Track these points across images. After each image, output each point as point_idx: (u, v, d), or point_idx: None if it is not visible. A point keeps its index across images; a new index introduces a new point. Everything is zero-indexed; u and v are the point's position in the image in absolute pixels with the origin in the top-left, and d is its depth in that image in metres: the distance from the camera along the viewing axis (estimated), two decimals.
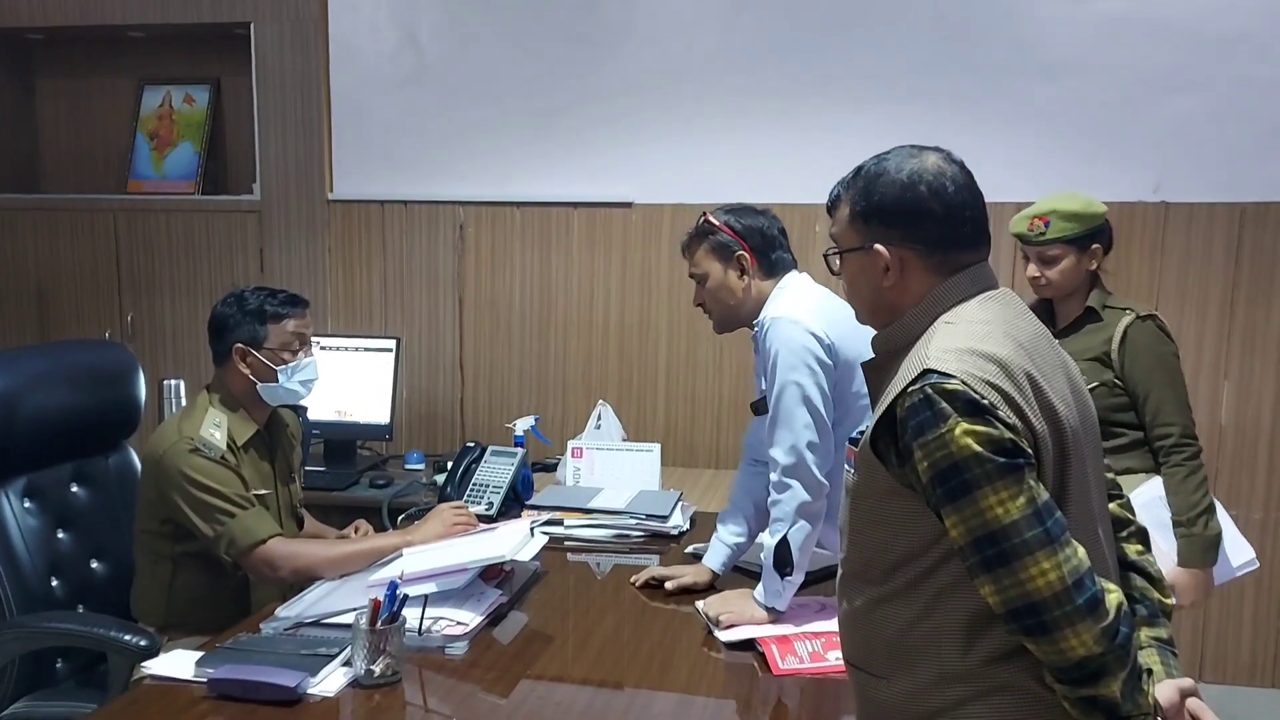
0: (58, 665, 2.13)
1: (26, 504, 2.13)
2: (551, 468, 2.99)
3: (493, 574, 1.99)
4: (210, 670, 1.58)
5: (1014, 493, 1.12)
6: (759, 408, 2.04)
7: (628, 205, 3.28)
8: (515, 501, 2.59)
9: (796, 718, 1.60)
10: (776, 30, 3.13)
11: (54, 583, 2.14)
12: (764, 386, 2.00)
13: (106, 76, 3.74)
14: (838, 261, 1.36)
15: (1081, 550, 1.15)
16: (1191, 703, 1.19)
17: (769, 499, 1.89)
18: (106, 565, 2.24)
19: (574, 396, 3.36)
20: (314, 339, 2.22)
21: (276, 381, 2.09)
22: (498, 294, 3.40)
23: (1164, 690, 1.18)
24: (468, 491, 2.55)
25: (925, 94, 3.04)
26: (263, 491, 2.10)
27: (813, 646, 1.75)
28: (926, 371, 1.18)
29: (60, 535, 2.18)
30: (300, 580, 2.01)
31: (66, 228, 3.59)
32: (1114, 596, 1.16)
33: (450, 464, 2.67)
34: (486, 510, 2.48)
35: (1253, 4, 2.87)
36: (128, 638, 1.87)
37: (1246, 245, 2.95)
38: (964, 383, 1.15)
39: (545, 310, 3.38)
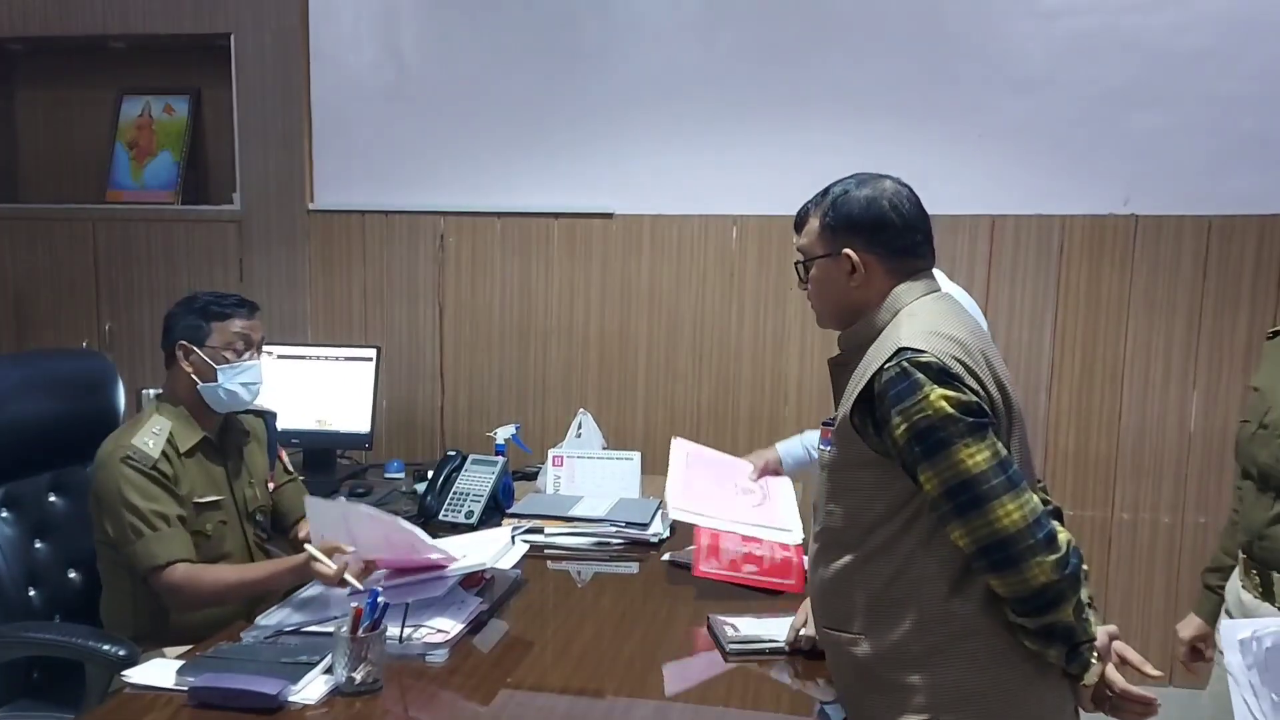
0: (34, 676, 2.11)
1: (4, 514, 2.12)
2: (532, 476, 3.01)
3: (473, 582, 2.00)
4: (190, 679, 1.58)
5: (981, 447, 1.31)
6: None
7: (608, 216, 3.31)
8: (496, 510, 2.60)
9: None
10: (755, 45, 3.18)
11: (31, 592, 2.13)
12: None
13: (86, 86, 3.73)
14: (804, 270, 1.55)
15: (1036, 497, 1.34)
16: (1116, 644, 1.43)
17: None
18: (84, 575, 2.23)
19: (554, 405, 3.38)
20: (271, 347, 2.19)
21: (216, 381, 2.07)
22: (478, 303, 3.42)
23: (1097, 634, 1.39)
24: (448, 500, 2.56)
25: (899, 108, 3.09)
26: (214, 497, 2.08)
27: (735, 554, 2.09)
28: (901, 349, 1.36)
29: (38, 545, 2.17)
30: (204, 608, 1.95)
31: (45, 237, 3.57)
32: (1063, 535, 1.34)
33: (431, 473, 2.68)
34: (467, 519, 2.49)
35: (1217, 22, 2.94)
36: (106, 647, 1.86)
37: (1214, 257, 3.02)
38: (935, 356, 1.34)
39: (526, 320, 3.40)
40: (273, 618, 1.85)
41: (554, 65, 3.30)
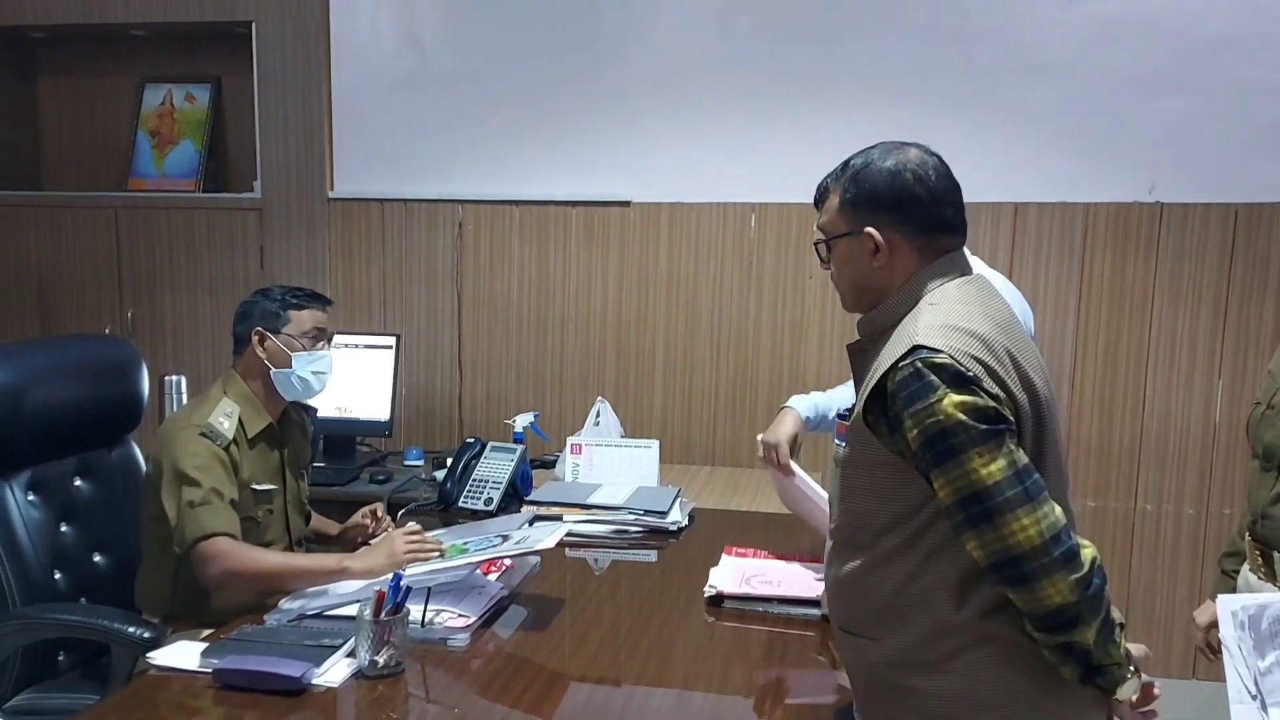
0: (60, 658, 2.14)
1: (30, 497, 2.15)
2: (550, 464, 3.01)
3: (493, 568, 2.01)
4: (215, 661, 1.59)
5: (994, 456, 1.22)
6: None
7: (625, 204, 3.30)
8: (515, 497, 2.60)
9: (795, 712, 1.62)
10: (772, 32, 3.16)
11: (57, 575, 2.15)
12: None
13: (108, 75, 3.75)
14: (825, 250, 1.44)
15: (1058, 509, 1.24)
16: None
17: None
18: (109, 559, 2.26)
19: (572, 393, 3.38)
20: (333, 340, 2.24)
21: (291, 368, 2.10)
22: (496, 291, 3.42)
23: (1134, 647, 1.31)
24: (467, 487, 2.57)
25: (920, 95, 3.07)
26: (268, 486, 2.11)
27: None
28: (916, 347, 1.27)
29: (63, 528, 2.20)
30: (227, 587, 1.94)
31: (68, 225, 3.60)
32: (1088, 551, 1.25)
33: (450, 460, 2.69)
34: (486, 506, 2.50)
35: (1243, 8, 2.90)
36: (131, 629, 1.88)
37: (1240, 245, 2.98)
38: (951, 357, 1.25)
39: (544, 308, 3.40)
40: (296, 601, 1.86)
41: (572, 53, 3.29)
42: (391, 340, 3.22)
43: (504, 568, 2.04)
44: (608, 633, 1.84)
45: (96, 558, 2.24)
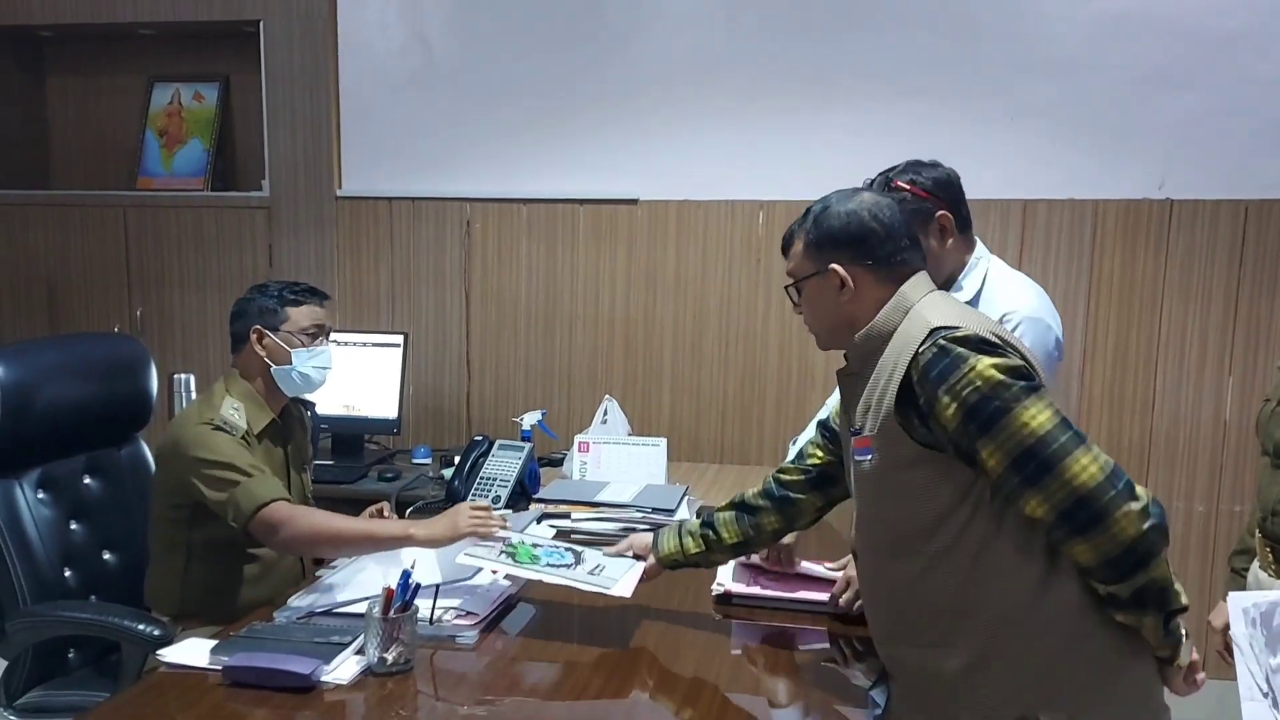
0: (70, 655, 2.15)
1: (40, 495, 2.15)
2: (558, 462, 3.01)
3: None
4: (225, 658, 1.60)
5: (1041, 407, 1.26)
6: None
7: (633, 202, 3.30)
8: (522, 495, 2.61)
9: (804, 711, 1.61)
10: (781, 28, 3.15)
11: (67, 573, 2.16)
12: None
13: (116, 74, 3.76)
14: (796, 293, 1.52)
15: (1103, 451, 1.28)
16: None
17: None
18: (118, 557, 2.26)
19: (580, 391, 3.38)
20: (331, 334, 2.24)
21: (291, 364, 2.10)
22: (504, 290, 3.42)
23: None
24: (475, 484, 2.57)
25: (929, 91, 3.06)
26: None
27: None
28: (935, 329, 1.32)
29: (73, 526, 2.21)
30: (296, 550, 1.97)
31: (76, 223, 3.61)
32: (1140, 486, 1.27)
33: (458, 457, 2.69)
34: (494, 504, 2.50)
35: (1253, 3, 2.88)
36: (141, 627, 1.89)
37: (1250, 242, 2.97)
38: (970, 330, 1.31)
39: (551, 306, 3.40)
40: (305, 598, 1.87)
41: (580, 51, 3.29)
42: (399, 338, 3.23)
43: None
44: (615, 631, 1.84)
45: (106, 556, 2.25)
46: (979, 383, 1.26)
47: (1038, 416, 1.25)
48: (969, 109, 3.04)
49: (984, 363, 1.27)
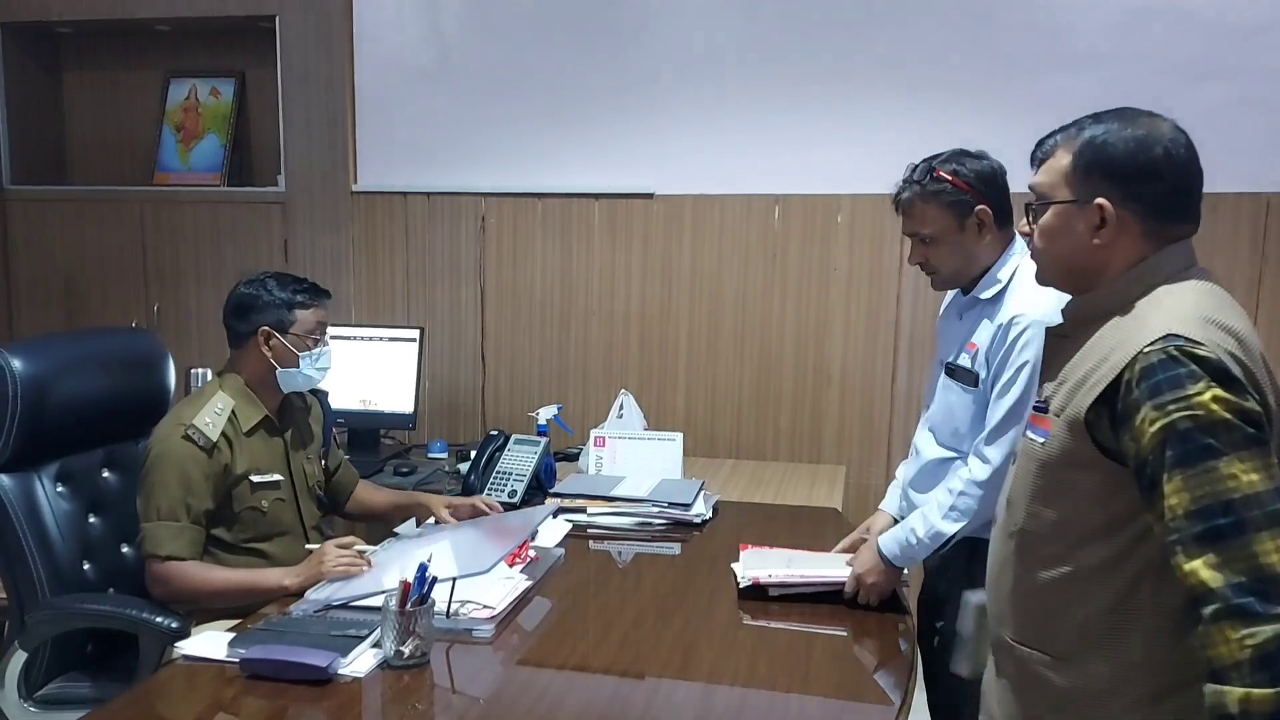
0: (89, 647, 2.16)
1: (59, 488, 2.16)
2: (574, 456, 3.01)
3: (516, 559, 2.01)
4: (242, 650, 1.60)
5: (1258, 465, 1.08)
6: (957, 371, 1.91)
7: (649, 196, 3.29)
8: (539, 489, 2.61)
9: (822, 707, 1.60)
10: (797, 20, 3.13)
11: (85, 566, 2.16)
12: (965, 359, 1.88)
13: (133, 69, 3.78)
14: (1035, 214, 1.31)
15: None
16: None
17: (955, 486, 1.81)
18: (136, 550, 2.26)
19: (595, 386, 3.38)
20: (334, 328, 2.24)
21: (298, 367, 2.11)
22: (519, 284, 3.42)
23: None
24: (491, 479, 2.57)
25: (949, 84, 3.03)
26: (272, 477, 2.10)
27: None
28: (1171, 335, 1.13)
29: (92, 519, 2.21)
30: (173, 604, 1.95)
31: (94, 218, 3.63)
32: None
33: (474, 452, 2.69)
34: (510, 498, 2.50)
35: None
36: (159, 619, 1.89)
37: (1272, 236, 2.93)
38: (1213, 352, 1.12)
39: (566, 300, 3.39)
40: (322, 592, 1.87)
41: (594, 45, 3.28)
42: (415, 333, 3.23)
43: (528, 560, 2.04)
44: (631, 625, 1.84)
45: (124, 549, 2.25)
46: (1199, 412, 1.08)
47: (1250, 474, 1.06)
48: (988, 101, 3.02)
49: (1214, 393, 1.09)
